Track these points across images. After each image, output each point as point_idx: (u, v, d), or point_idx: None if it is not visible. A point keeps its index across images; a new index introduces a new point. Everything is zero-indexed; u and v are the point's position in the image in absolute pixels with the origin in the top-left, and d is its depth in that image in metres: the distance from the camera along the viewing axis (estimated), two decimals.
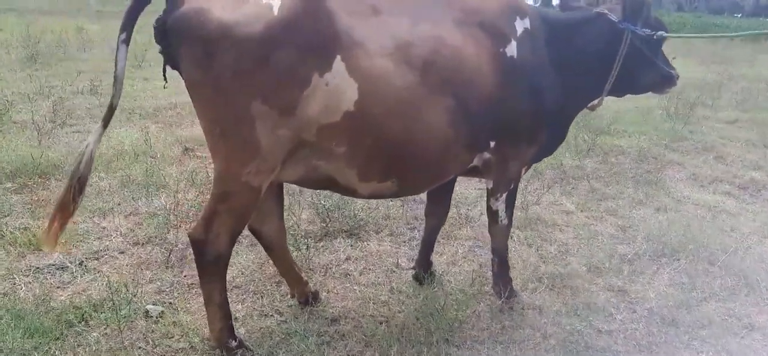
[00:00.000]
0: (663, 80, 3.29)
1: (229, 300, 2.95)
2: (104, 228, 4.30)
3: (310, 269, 3.82)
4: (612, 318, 3.39)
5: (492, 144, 3.03)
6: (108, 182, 5.08)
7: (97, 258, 3.86)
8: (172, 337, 3.07)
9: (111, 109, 2.66)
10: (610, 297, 3.61)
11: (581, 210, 5.03)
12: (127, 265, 3.79)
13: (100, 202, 4.67)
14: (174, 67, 2.65)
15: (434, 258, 3.79)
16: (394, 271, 3.87)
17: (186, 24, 2.46)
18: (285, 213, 3.28)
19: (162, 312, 3.26)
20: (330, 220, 4.43)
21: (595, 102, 3.23)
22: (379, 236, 4.38)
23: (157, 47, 2.60)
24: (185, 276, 3.68)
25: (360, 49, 2.60)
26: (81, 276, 3.62)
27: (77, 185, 2.63)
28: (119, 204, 4.68)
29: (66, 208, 2.63)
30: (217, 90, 2.51)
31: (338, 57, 2.54)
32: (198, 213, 4.50)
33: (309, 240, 4.14)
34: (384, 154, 2.77)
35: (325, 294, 3.53)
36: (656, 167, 6.32)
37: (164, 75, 2.73)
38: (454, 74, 2.81)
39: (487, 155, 3.07)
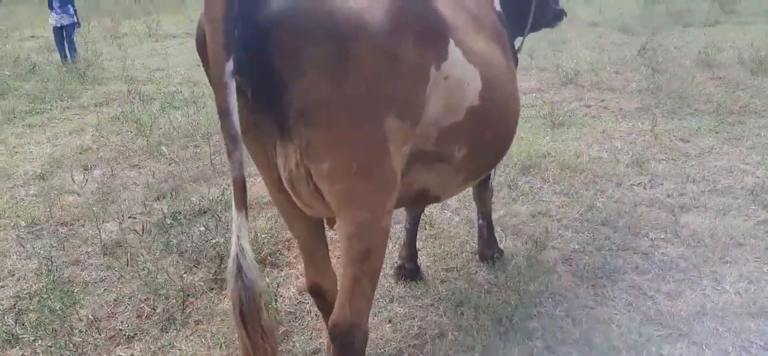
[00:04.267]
0: (555, 17, 3.52)
1: None
2: None
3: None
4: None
5: None
6: None
7: None
8: None
9: (242, 185, 1.64)
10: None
11: None
12: None
13: None
14: (259, 84, 1.71)
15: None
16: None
17: (311, 16, 1.64)
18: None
19: None
20: None
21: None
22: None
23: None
24: None
25: (463, 28, 2.16)
26: None
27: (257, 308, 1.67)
28: None
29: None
30: (351, 109, 1.75)
31: (451, 41, 2.01)
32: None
33: None
34: (496, 145, 2.42)
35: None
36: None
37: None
38: (502, 36, 2.58)
39: None
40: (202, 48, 1.77)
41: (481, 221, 3.39)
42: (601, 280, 3.21)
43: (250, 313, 1.63)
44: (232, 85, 1.57)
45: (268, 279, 3.30)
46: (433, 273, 3.35)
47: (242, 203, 1.63)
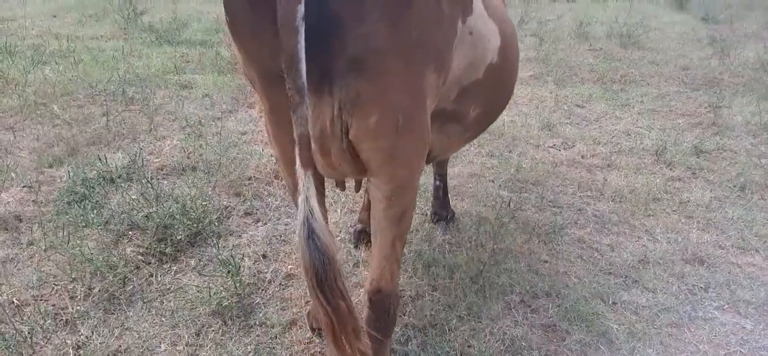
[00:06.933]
0: None
1: None
2: None
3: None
4: None
5: None
6: None
7: None
8: None
9: (308, 142, 1.49)
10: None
11: None
12: None
13: None
14: (310, 30, 1.55)
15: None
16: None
17: None
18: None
19: None
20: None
21: None
22: None
23: None
24: None
25: None
26: None
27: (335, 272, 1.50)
28: None
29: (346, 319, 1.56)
30: (403, 59, 1.65)
31: None
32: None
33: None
34: (502, 105, 2.41)
35: None
36: None
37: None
38: None
39: None
40: None
41: (438, 182, 3.38)
42: (548, 236, 3.36)
43: (328, 279, 1.48)
44: (303, 30, 1.39)
45: (219, 251, 3.04)
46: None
47: (309, 161, 1.46)
